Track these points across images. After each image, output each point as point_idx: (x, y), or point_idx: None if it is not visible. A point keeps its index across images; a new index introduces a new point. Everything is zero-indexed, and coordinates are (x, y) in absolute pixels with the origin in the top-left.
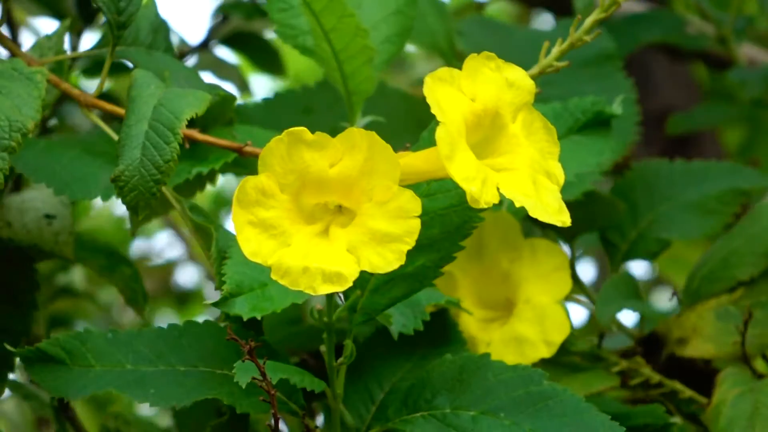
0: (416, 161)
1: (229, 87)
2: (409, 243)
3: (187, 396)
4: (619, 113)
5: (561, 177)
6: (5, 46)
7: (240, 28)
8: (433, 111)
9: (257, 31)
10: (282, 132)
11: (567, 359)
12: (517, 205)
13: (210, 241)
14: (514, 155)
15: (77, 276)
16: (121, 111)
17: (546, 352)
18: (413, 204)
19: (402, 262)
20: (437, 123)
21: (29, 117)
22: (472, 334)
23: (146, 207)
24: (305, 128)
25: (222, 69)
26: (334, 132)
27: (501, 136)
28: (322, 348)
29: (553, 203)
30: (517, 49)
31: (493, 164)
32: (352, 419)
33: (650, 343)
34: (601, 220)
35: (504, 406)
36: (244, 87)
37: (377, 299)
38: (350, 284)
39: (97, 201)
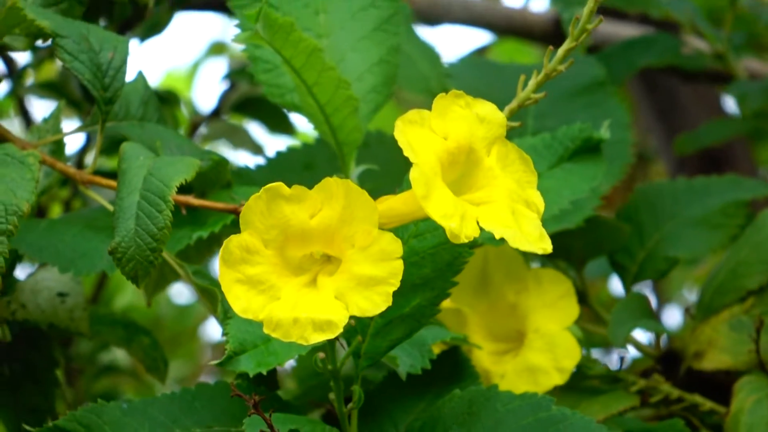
0: (396, 204)
1: (244, 153)
2: (394, 284)
3: None
4: (606, 137)
5: (541, 205)
6: None
7: (248, 94)
8: (405, 153)
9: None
10: None
11: (586, 384)
12: (497, 236)
13: (215, 303)
14: (491, 188)
15: (120, 353)
16: (115, 185)
17: (559, 379)
18: (394, 246)
19: (389, 303)
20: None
21: (24, 199)
22: (486, 368)
23: (146, 276)
24: (282, 183)
25: (235, 135)
26: None
27: (477, 170)
28: (331, 396)
29: (534, 231)
30: (506, 85)
31: (472, 199)
32: None
33: (668, 359)
34: (608, 244)
35: None
36: (258, 150)
37: (379, 342)
38: (341, 330)
39: None
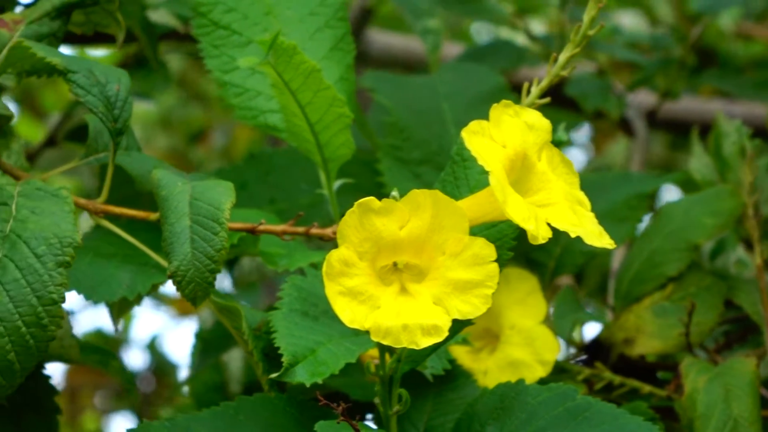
0: (468, 210)
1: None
2: (491, 286)
3: None
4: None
5: (588, 204)
6: (3, 169)
7: (82, 121)
8: (479, 162)
9: None
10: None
11: None
12: (573, 236)
13: (238, 320)
14: (548, 191)
15: None
16: (130, 213)
17: (542, 372)
18: (488, 250)
19: (489, 305)
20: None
21: (74, 231)
22: (467, 365)
23: (204, 297)
24: (373, 197)
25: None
26: (290, 200)
27: (532, 174)
28: (376, 400)
29: (595, 228)
30: (420, 96)
31: (533, 201)
32: None
33: (593, 348)
34: (524, 244)
35: (549, 425)
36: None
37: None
38: (447, 334)
39: None
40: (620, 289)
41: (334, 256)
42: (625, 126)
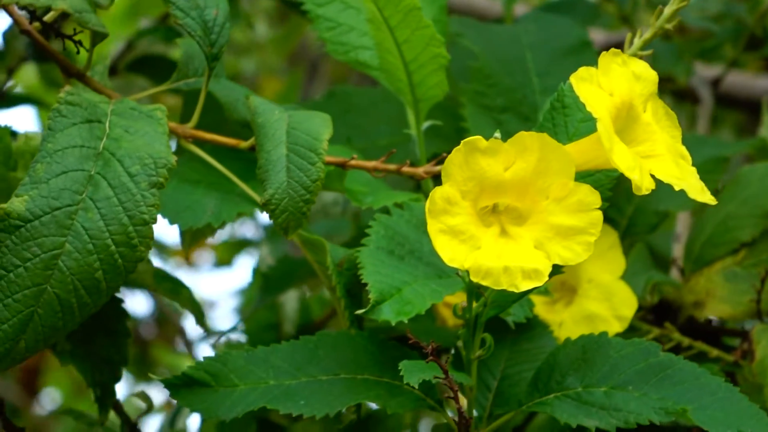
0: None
1: None
2: (594, 234)
3: (339, 403)
4: None
5: (690, 158)
6: (94, 87)
7: (145, 52)
8: (587, 109)
9: (162, 54)
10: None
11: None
12: (677, 188)
13: (322, 255)
14: (652, 142)
15: None
16: (221, 139)
17: (619, 327)
18: (593, 197)
19: (590, 252)
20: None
21: (168, 152)
22: (542, 317)
23: (297, 227)
24: (479, 137)
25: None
26: (368, 140)
27: (636, 125)
28: (459, 343)
29: (698, 183)
30: (504, 44)
31: (637, 152)
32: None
33: (660, 309)
34: None
35: (631, 380)
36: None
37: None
38: (546, 279)
39: None
40: (692, 251)
41: (437, 193)
42: (687, 93)
